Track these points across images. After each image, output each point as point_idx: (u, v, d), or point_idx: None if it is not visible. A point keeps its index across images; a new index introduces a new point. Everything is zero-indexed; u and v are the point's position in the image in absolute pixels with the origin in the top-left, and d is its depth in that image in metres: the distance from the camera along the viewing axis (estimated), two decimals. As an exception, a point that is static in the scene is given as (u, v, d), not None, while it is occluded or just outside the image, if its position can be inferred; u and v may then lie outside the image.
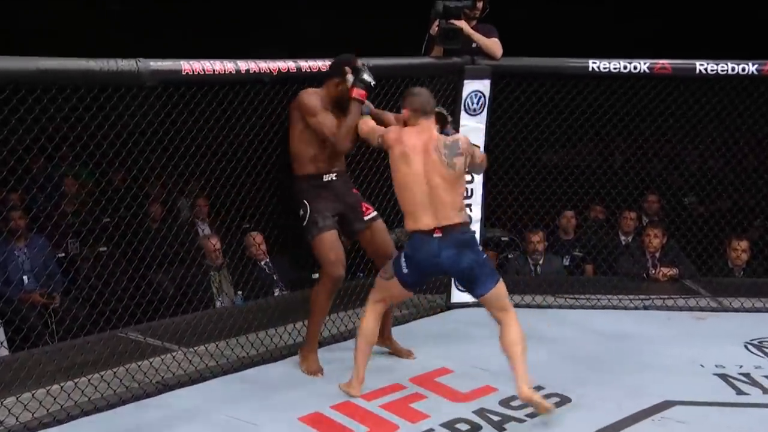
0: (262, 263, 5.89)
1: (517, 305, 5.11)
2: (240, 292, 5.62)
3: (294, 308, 4.85)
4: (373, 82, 4.11)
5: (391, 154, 3.92)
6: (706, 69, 5.12)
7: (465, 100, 5.08)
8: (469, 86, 5.02)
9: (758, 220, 6.49)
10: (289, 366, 4.38)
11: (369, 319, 4.05)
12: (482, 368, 4.35)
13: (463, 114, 5.09)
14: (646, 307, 5.42)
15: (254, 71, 4.07)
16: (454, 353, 4.56)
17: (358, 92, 4.09)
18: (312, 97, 4.13)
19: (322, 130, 4.11)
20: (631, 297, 5.50)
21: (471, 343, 4.70)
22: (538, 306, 5.37)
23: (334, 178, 4.22)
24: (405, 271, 3.93)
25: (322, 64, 4.32)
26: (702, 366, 4.45)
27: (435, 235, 3.83)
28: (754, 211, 6.21)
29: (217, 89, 4.11)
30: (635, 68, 5.12)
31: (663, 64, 5.14)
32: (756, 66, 5.11)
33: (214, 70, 3.91)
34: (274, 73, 4.14)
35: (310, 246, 4.18)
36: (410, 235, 3.91)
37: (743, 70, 5.11)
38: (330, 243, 4.12)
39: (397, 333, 4.79)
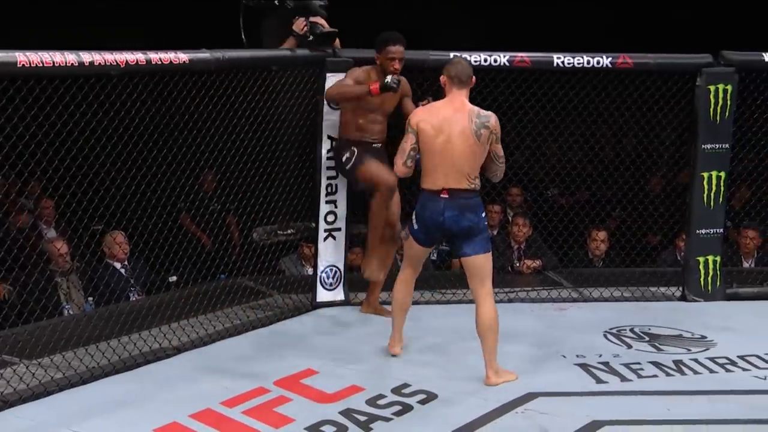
0: (119, 266, 5.69)
1: (381, 302, 5.19)
2: (90, 299, 5.40)
3: (151, 313, 4.73)
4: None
5: (424, 128, 4.15)
6: (563, 62, 5.29)
7: (328, 93, 5.06)
8: (332, 79, 5.00)
9: (616, 211, 6.76)
10: (144, 375, 4.25)
11: (399, 285, 4.44)
12: (348, 367, 4.37)
13: (326, 107, 5.06)
14: (511, 300, 5.54)
15: (99, 63, 3.92)
16: (319, 353, 4.55)
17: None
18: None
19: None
20: (497, 290, 5.48)
21: (337, 343, 4.70)
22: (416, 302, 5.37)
23: (378, 147, 4.90)
24: (415, 227, 4.26)
25: (174, 56, 4.20)
26: (564, 356, 4.60)
27: (442, 196, 4.13)
28: (611, 201, 6.46)
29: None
30: (495, 61, 5.23)
31: (522, 57, 5.27)
32: (610, 59, 5.32)
33: (53, 62, 3.74)
34: (122, 66, 4.00)
35: (357, 179, 4.90)
36: (421, 192, 4.22)
37: (598, 63, 5.31)
38: (374, 166, 4.80)
39: (261, 335, 4.79)
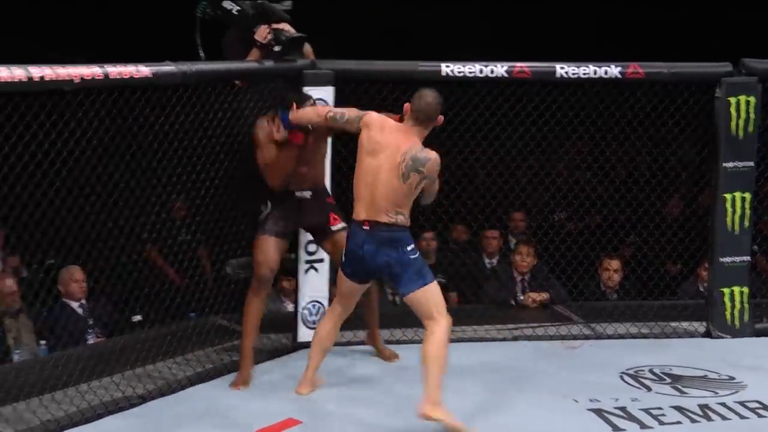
0: (76, 305, 5.60)
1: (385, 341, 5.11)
2: (43, 342, 5.31)
3: (113, 358, 4.65)
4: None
5: (365, 134, 4.23)
6: (567, 72, 5.25)
7: (306, 108, 5.00)
8: (311, 93, 4.94)
9: (630, 237, 6.71)
10: (105, 428, 4.16)
11: (325, 321, 4.53)
12: (335, 418, 4.30)
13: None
14: (515, 338, 5.49)
15: (51, 78, 3.85)
16: (303, 401, 4.49)
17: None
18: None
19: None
20: (499, 327, 5.55)
21: (322, 389, 4.61)
22: (398, 341, 5.32)
23: (308, 196, 4.74)
24: (343, 259, 4.36)
25: (135, 70, 4.15)
26: (576, 401, 4.52)
27: (364, 227, 4.22)
28: (625, 227, 6.40)
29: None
30: (492, 72, 5.19)
31: (522, 67, 5.24)
32: (619, 69, 5.28)
33: (-2, 78, 3.66)
34: (76, 81, 3.94)
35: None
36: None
37: (605, 73, 5.27)
38: (265, 246, 4.68)
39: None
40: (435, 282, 4.25)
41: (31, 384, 4.30)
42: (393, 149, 4.16)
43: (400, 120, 4.26)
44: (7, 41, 7.29)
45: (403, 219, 4.20)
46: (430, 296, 4.20)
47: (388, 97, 5.13)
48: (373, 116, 4.31)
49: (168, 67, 4.35)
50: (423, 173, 4.16)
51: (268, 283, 4.74)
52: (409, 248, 4.22)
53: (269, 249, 4.68)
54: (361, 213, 4.22)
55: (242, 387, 4.64)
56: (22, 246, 4.31)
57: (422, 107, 4.19)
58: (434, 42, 8.08)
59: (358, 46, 5.30)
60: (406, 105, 4.23)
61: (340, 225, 4.77)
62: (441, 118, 4.24)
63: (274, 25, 4.86)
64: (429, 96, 4.21)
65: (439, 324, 4.16)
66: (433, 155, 4.20)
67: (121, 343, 4.84)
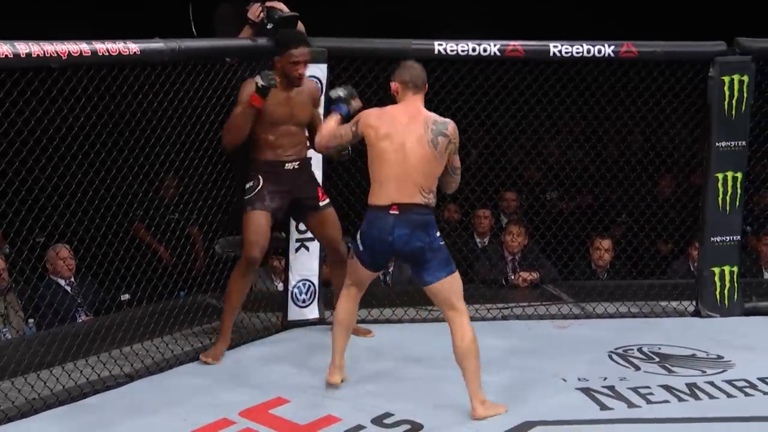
0: (64, 283, 5.59)
1: (363, 320, 5.14)
2: (31, 320, 5.30)
3: (100, 337, 4.65)
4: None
5: (372, 134, 4.08)
6: (560, 51, 5.24)
7: (298, 86, 4.98)
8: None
9: (621, 217, 6.72)
10: (91, 407, 4.16)
11: (341, 301, 4.33)
12: (323, 395, 4.31)
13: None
14: (505, 317, 5.50)
15: (37, 55, 3.83)
16: (290, 380, 4.49)
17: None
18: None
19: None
20: (489, 306, 5.56)
21: (309, 368, 4.63)
22: (388, 320, 5.35)
23: (296, 167, 4.69)
24: (360, 248, 4.15)
25: (123, 46, 4.13)
26: (564, 380, 4.55)
27: (391, 212, 4.02)
28: (616, 206, 6.41)
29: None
30: (485, 50, 5.18)
31: (515, 45, 5.23)
32: (612, 48, 5.28)
33: (-16, 54, 3.64)
34: (64, 57, 3.92)
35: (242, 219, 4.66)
36: (367, 209, 4.12)
37: (599, 51, 5.26)
38: (256, 224, 4.59)
39: (225, 359, 4.72)
40: (457, 270, 4.15)
41: (17, 363, 4.30)
42: (411, 122, 4.05)
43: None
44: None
45: (434, 200, 4.09)
46: (455, 285, 4.11)
47: (380, 75, 5.12)
48: (365, 113, 4.18)
49: (157, 44, 4.33)
50: (448, 137, 4.06)
51: (256, 264, 4.69)
52: (437, 233, 4.10)
53: (260, 227, 4.60)
54: (384, 197, 4.03)
55: (211, 360, 4.64)
56: (6, 223, 4.27)
57: (414, 75, 4.12)
58: (423, 22, 8.03)
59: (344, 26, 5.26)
60: (394, 84, 4.16)
61: (327, 201, 4.82)
62: (427, 84, 4.19)
63: (268, 3, 4.85)
64: (414, 64, 4.18)
65: (464, 315, 4.10)
66: (448, 120, 4.12)
67: (108, 322, 4.81)
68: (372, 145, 4.10)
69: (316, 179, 4.89)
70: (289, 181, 4.71)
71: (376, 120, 4.11)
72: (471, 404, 4.08)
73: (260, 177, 4.66)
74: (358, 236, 4.18)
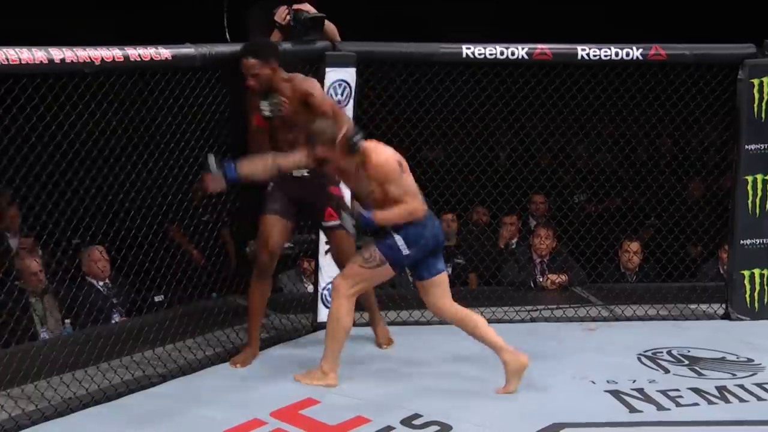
0: (100, 284, 5.67)
1: (392, 322, 5.17)
2: (68, 321, 5.37)
3: (133, 337, 4.69)
4: None
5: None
6: (588, 54, 5.25)
7: (328, 90, 5.01)
8: (332, 75, 4.98)
9: (650, 219, 6.69)
10: (126, 406, 4.20)
11: (351, 310, 4.44)
12: (352, 397, 4.32)
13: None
14: (533, 320, 5.51)
15: (71, 61, 3.89)
16: (320, 381, 4.49)
17: None
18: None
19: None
20: (517, 308, 5.57)
21: (340, 369, 4.62)
22: (416, 322, 5.35)
23: (304, 174, 4.60)
24: (406, 252, 4.29)
25: (155, 51, 4.18)
26: (593, 383, 4.54)
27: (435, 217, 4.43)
28: (645, 209, 6.40)
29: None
30: (513, 54, 5.19)
31: (543, 49, 5.23)
32: (641, 50, 5.27)
33: (20, 60, 3.70)
34: (97, 63, 3.97)
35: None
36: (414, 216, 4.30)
37: (627, 54, 5.26)
38: (267, 227, 4.63)
39: (256, 359, 4.74)
40: None
41: (53, 362, 4.36)
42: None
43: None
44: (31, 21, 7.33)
45: None
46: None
47: (407, 79, 5.15)
48: (395, 157, 4.35)
49: (188, 50, 4.38)
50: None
51: (268, 269, 4.68)
52: None
53: (270, 230, 4.62)
54: (423, 203, 4.34)
55: (240, 366, 4.66)
56: (40, 226, 4.34)
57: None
58: (439, 25, 8.05)
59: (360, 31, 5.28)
60: (340, 139, 4.19)
61: (335, 222, 4.65)
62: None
63: (295, 6, 4.86)
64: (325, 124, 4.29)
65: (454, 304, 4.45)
66: None
67: (141, 323, 4.86)
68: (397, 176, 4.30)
69: (330, 194, 4.70)
70: (296, 188, 4.65)
71: (392, 155, 4.32)
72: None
73: (272, 182, 4.67)
74: (402, 242, 4.28)
